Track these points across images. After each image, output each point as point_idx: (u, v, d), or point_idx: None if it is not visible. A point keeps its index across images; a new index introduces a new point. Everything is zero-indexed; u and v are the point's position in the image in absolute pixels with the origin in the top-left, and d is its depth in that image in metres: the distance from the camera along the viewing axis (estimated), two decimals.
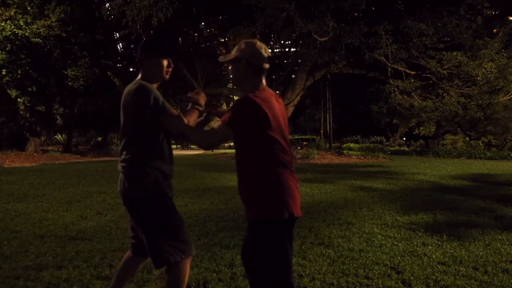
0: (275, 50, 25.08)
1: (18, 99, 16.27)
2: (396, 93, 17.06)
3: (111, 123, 22.16)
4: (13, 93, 16.02)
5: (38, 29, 14.06)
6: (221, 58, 2.00)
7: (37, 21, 14.26)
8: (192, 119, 2.03)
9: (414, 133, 35.16)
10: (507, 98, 17.50)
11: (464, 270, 3.06)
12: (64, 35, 15.10)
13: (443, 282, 2.82)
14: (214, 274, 2.93)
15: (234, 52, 1.94)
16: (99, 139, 29.71)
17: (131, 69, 21.66)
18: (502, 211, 5.53)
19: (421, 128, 33.72)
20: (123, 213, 4.80)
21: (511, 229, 4.41)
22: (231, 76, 1.98)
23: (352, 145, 32.20)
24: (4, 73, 14.87)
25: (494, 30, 17.72)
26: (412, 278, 2.88)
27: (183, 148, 41.72)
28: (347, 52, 15.63)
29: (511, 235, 4.15)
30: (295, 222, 1.86)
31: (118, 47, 23.08)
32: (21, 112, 17.92)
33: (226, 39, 18.15)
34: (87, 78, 15.90)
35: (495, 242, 3.86)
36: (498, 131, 25.44)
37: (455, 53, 14.83)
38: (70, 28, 15.49)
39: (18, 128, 18.80)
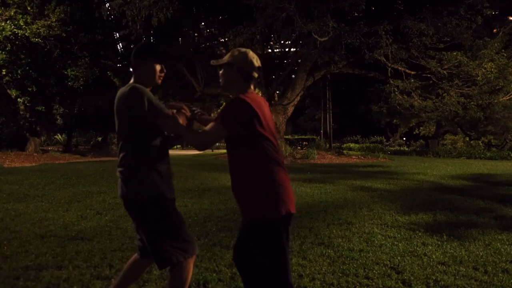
0: (275, 50, 25.08)
1: (18, 99, 16.27)
2: (396, 93, 17.06)
3: (111, 123, 21.86)
4: (13, 93, 16.02)
5: (38, 29, 14.06)
6: (213, 62, 2.04)
7: (37, 21, 14.26)
8: (181, 121, 2.07)
9: (414, 133, 35.17)
10: (507, 98, 17.50)
11: (464, 270, 3.07)
12: (64, 35, 15.09)
13: (443, 282, 2.82)
14: (214, 274, 2.93)
15: (226, 58, 1.99)
16: (99, 139, 29.73)
17: (131, 69, 21.65)
18: (502, 211, 5.53)
19: (421, 128, 33.73)
20: (123, 213, 4.80)
21: (511, 229, 4.41)
22: (220, 80, 2.04)
23: (352, 145, 32.20)
24: (4, 73, 14.86)
25: (494, 30, 17.72)
26: (412, 278, 2.88)
27: (183, 148, 41.71)
28: (347, 52, 15.63)
29: (511, 235, 4.15)
30: (291, 219, 1.88)
31: (118, 47, 23.08)
32: (21, 112, 17.92)
33: (226, 39, 18.15)
34: (87, 78, 15.90)
35: (495, 242, 3.86)
36: (498, 131, 25.44)
37: (455, 53, 14.83)
38: (70, 28, 15.49)
39: (18, 128, 18.79)
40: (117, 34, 22.57)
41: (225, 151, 30.74)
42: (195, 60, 20.36)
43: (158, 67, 2.06)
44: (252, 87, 2.01)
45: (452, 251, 3.56)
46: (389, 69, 16.26)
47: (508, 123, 23.78)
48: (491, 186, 8.63)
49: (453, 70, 15.65)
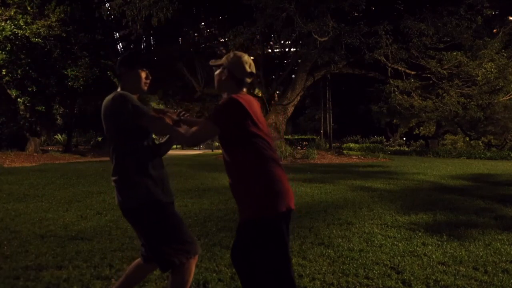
0: (275, 50, 25.08)
1: (18, 99, 16.27)
2: (396, 93, 17.06)
3: None
4: (13, 93, 16.02)
5: (38, 29, 14.06)
6: (211, 62, 2.08)
7: (37, 21, 14.26)
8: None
9: (414, 133, 35.18)
10: (507, 98, 17.50)
11: (464, 270, 3.06)
12: (64, 35, 15.09)
13: (443, 282, 2.82)
14: (214, 274, 2.93)
15: (223, 59, 2.03)
16: (99, 139, 29.70)
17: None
18: (502, 211, 5.53)
19: (421, 128, 33.74)
20: None
21: (511, 229, 4.41)
22: (215, 81, 2.08)
23: (352, 145, 32.20)
24: (4, 73, 14.86)
25: (494, 30, 17.71)
26: (412, 278, 2.88)
27: (183, 148, 41.73)
28: (347, 52, 15.63)
29: (511, 235, 4.14)
30: (292, 215, 1.89)
31: (118, 47, 23.07)
32: (21, 112, 17.92)
33: (226, 39, 18.14)
34: (87, 78, 15.89)
35: (495, 242, 3.86)
36: (498, 131, 25.45)
37: (455, 53, 14.83)
38: (70, 28, 15.49)
39: (18, 128, 18.78)
40: (117, 34, 22.57)
41: None
42: (195, 60, 20.36)
43: (143, 74, 2.12)
44: (244, 90, 2.02)
45: (452, 251, 3.56)
46: (389, 69, 16.26)
47: (508, 123, 23.78)
48: (491, 186, 8.63)
49: (453, 70, 15.65)
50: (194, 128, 1.90)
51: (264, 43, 21.00)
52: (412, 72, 16.75)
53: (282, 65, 24.09)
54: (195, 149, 38.71)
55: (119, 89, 2.10)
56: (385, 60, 15.54)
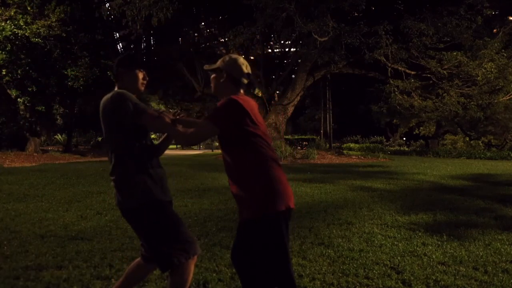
0: (275, 50, 25.08)
1: (18, 99, 16.26)
2: (396, 93, 17.06)
3: None
4: (13, 93, 16.01)
5: (38, 29, 14.05)
6: (206, 67, 2.11)
7: (37, 21, 14.24)
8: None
9: (414, 133, 35.18)
10: (507, 98, 17.50)
11: (464, 270, 3.06)
12: (64, 35, 15.08)
13: (443, 282, 2.82)
14: (214, 274, 2.93)
15: (219, 63, 2.06)
16: (99, 139, 29.69)
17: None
18: (502, 211, 5.53)
19: (421, 128, 33.74)
20: None
21: (511, 229, 4.41)
22: (211, 84, 2.10)
23: (352, 145, 32.21)
24: (4, 73, 14.86)
25: (494, 30, 17.72)
26: (412, 278, 2.88)
27: (183, 148, 41.72)
28: (347, 52, 15.63)
29: (511, 235, 4.15)
30: (291, 214, 1.91)
31: (118, 47, 23.08)
32: (21, 112, 17.91)
33: (226, 39, 18.14)
34: (87, 78, 15.88)
35: (495, 242, 3.86)
36: (498, 131, 25.45)
37: (455, 53, 14.83)
38: (70, 28, 15.48)
39: (18, 128, 18.78)
40: (117, 34, 22.57)
41: None
42: (195, 60, 20.36)
43: (141, 75, 2.15)
44: (242, 91, 2.06)
45: (452, 251, 3.56)
46: (389, 69, 16.26)
47: (508, 123, 23.77)
48: (491, 186, 8.63)
49: (453, 70, 15.65)
50: (193, 128, 1.93)
51: (264, 43, 21.00)
52: (412, 72, 16.75)
53: (282, 65, 24.09)
54: (195, 149, 38.72)
55: (116, 89, 2.10)
56: (385, 60, 15.54)
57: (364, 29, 14.24)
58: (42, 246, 3.63)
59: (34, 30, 13.96)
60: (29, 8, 14.24)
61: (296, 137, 33.52)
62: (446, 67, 15.49)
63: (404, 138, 38.68)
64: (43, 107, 17.90)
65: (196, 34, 22.39)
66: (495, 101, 17.60)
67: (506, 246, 3.73)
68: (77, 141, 30.34)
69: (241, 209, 1.90)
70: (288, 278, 1.85)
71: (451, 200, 6.50)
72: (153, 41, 23.82)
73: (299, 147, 24.39)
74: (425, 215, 5.18)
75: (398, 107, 18.36)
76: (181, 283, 1.95)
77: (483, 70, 14.66)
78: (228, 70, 2.01)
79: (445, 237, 4.03)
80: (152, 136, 2.24)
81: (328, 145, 24.44)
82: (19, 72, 14.93)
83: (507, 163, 16.87)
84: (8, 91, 16.35)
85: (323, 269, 3.07)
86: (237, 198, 1.93)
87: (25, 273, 2.94)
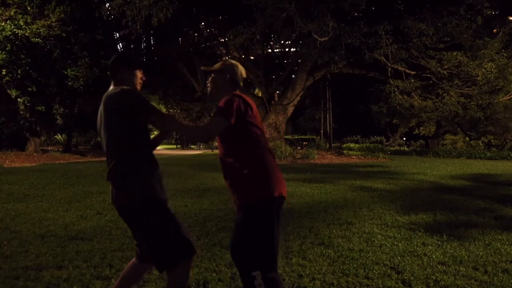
0: (275, 50, 25.07)
1: (18, 99, 16.26)
2: (396, 93, 17.06)
3: None
4: (13, 93, 16.01)
5: (38, 29, 14.05)
6: (203, 68, 2.19)
7: (37, 21, 14.25)
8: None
9: (414, 133, 35.19)
10: (507, 98, 17.50)
11: (464, 270, 3.06)
12: (64, 35, 15.08)
13: (443, 282, 2.82)
14: (214, 274, 2.93)
15: (218, 66, 2.16)
16: (99, 139, 29.66)
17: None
18: (502, 211, 5.53)
19: (421, 128, 33.74)
20: None
21: (511, 229, 4.41)
22: (209, 85, 2.19)
23: (352, 145, 32.21)
24: (4, 73, 14.86)
25: (494, 30, 17.72)
26: (412, 278, 2.88)
27: (183, 148, 41.72)
28: (347, 52, 15.63)
29: (511, 235, 4.15)
30: (283, 202, 2.02)
31: (118, 47, 23.08)
32: (21, 112, 17.92)
33: (226, 39, 18.14)
34: (87, 78, 15.89)
35: (495, 242, 3.86)
36: (498, 131, 25.45)
37: (455, 53, 14.83)
38: (70, 28, 15.48)
39: (18, 128, 18.77)
40: (117, 34, 22.57)
41: None
42: (195, 60, 20.36)
43: (139, 74, 2.17)
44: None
45: (452, 251, 3.56)
46: (389, 69, 16.26)
47: (508, 123, 23.78)
48: (491, 186, 8.63)
49: (453, 70, 15.65)
50: (206, 125, 1.98)
51: (264, 43, 20.99)
52: (412, 72, 16.76)
53: (282, 65, 24.09)
54: (195, 149, 38.70)
55: (112, 87, 2.09)
56: (385, 60, 15.54)
57: (364, 29, 14.24)
58: (42, 246, 3.63)
59: (34, 30, 13.97)
60: (29, 8, 14.24)
61: (296, 137, 33.53)
62: (446, 67, 15.49)
63: (404, 138, 38.69)
64: (43, 107, 17.90)
65: (196, 34, 22.38)
66: (495, 101, 17.61)
67: (506, 246, 3.73)
68: (77, 141, 30.33)
69: (238, 195, 1.98)
70: (273, 255, 1.92)
71: (451, 200, 6.50)
72: (153, 41, 23.82)
73: (299, 147, 24.40)
74: (425, 215, 5.18)
75: (398, 107, 18.36)
76: (179, 283, 1.95)
77: (483, 70, 14.66)
78: (231, 73, 2.13)
79: (445, 237, 4.03)
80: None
81: (328, 145, 24.45)
82: (19, 72, 14.94)
83: (507, 163, 16.87)
84: (8, 91, 16.35)
85: (323, 269, 3.07)
86: (234, 184, 2.01)
87: (25, 273, 2.94)
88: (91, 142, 29.74)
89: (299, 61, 20.24)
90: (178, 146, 43.24)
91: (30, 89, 15.69)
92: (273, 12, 13.94)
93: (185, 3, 16.02)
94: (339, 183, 8.69)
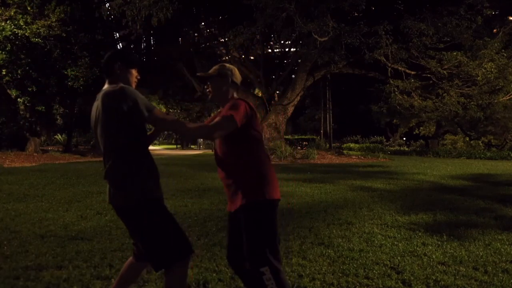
0: (275, 50, 25.08)
1: (18, 99, 16.26)
2: (396, 93, 17.07)
3: None
4: (13, 93, 16.01)
5: (38, 29, 14.05)
6: (200, 74, 2.24)
7: (37, 21, 14.25)
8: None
9: (414, 133, 35.18)
10: (507, 98, 17.51)
11: (464, 270, 3.06)
12: (64, 35, 15.08)
13: (443, 282, 2.82)
14: (214, 274, 2.93)
15: (217, 70, 2.21)
16: (98, 138, 29.64)
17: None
18: (502, 211, 5.53)
19: (421, 128, 33.74)
20: None
21: (511, 229, 4.42)
22: (211, 90, 2.24)
23: (352, 145, 32.21)
24: (4, 73, 14.86)
25: (494, 30, 17.73)
26: (412, 278, 2.88)
27: (183, 148, 41.74)
28: (347, 52, 15.64)
29: (511, 235, 4.15)
30: (278, 204, 2.13)
31: (118, 47, 23.08)
32: (21, 112, 17.92)
33: (226, 39, 18.14)
34: (87, 78, 15.89)
35: (495, 242, 3.86)
36: (498, 131, 25.45)
37: (455, 53, 14.83)
38: (70, 28, 15.48)
39: (18, 128, 18.78)
40: (117, 34, 22.58)
41: None
42: (195, 60, 20.36)
43: (135, 73, 2.16)
44: (235, 95, 2.29)
45: (452, 251, 3.56)
46: (389, 69, 16.26)
47: (508, 123, 23.78)
48: (491, 186, 8.63)
49: (453, 70, 15.65)
50: (214, 125, 1.99)
51: (264, 43, 21.00)
52: (412, 72, 16.76)
53: (282, 65, 24.10)
54: (195, 149, 38.69)
55: (107, 85, 2.06)
56: (385, 60, 15.54)
57: (364, 29, 14.24)
58: (42, 246, 3.63)
59: (34, 30, 13.97)
60: (29, 8, 14.24)
61: (296, 137, 33.54)
62: (446, 67, 15.50)
63: (404, 138, 38.68)
64: (43, 107, 17.91)
65: (196, 34, 22.39)
66: (495, 101, 17.62)
67: (506, 246, 3.73)
68: (77, 141, 30.36)
69: (243, 196, 2.02)
70: (276, 251, 2.02)
71: (451, 200, 6.50)
72: (153, 41, 23.82)
73: (299, 147, 24.39)
74: (425, 215, 5.18)
75: (398, 107, 18.36)
76: (177, 283, 1.94)
77: (483, 70, 14.67)
78: (232, 77, 2.22)
79: (445, 237, 4.03)
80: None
81: (328, 145, 24.45)
82: (19, 72, 14.94)
83: (507, 163, 16.87)
84: (8, 91, 16.35)
85: (323, 269, 3.07)
86: (233, 187, 2.07)
87: (25, 273, 2.94)
88: (91, 142, 29.75)
89: (299, 61, 20.25)
90: (178, 146, 43.24)
91: (30, 89, 15.69)
92: (273, 12, 13.94)
93: (185, 3, 16.02)
94: (339, 183, 8.69)
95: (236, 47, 17.21)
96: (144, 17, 14.44)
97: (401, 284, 2.79)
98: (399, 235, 4.11)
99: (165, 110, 29.26)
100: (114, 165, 1.93)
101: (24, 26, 13.92)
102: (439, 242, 3.84)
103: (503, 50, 15.50)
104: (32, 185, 7.68)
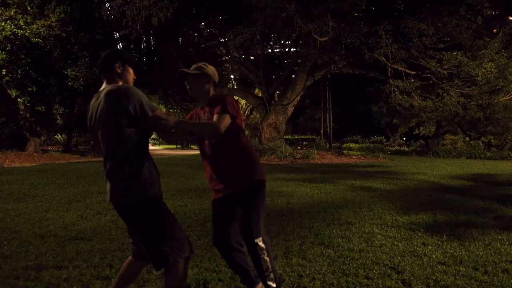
0: (275, 50, 25.08)
1: (18, 99, 16.26)
2: (396, 93, 17.07)
3: None
4: (13, 93, 16.01)
5: (38, 29, 14.05)
6: (183, 70, 2.40)
7: (37, 21, 14.25)
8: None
9: (414, 133, 35.16)
10: (507, 98, 17.51)
11: (464, 270, 3.06)
12: (64, 35, 15.08)
13: (443, 282, 2.82)
14: (214, 274, 2.93)
15: (202, 70, 2.41)
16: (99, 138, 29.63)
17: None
18: (502, 211, 5.53)
19: (421, 128, 33.72)
20: None
21: (511, 229, 4.41)
22: (193, 86, 2.44)
23: (352, 145, 32.20)
24: (4, 73, 14.86)
25: (494, 30, 17.74)
26: (412, 278, 2.88)
27: (183, 148, 41.72)
28: (347, 52, 15.65)
29: (511, 235, 4.14)
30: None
31: (118, 47, 23.07)
32: (21, 112, 17.91)
33: (226, 39, 18.15)
34: (87, 78, 15.88)
35: (495, 242, 3.86)
36: (498, 131, 25.44)
37: (455, 53, 14.84)
38: (70, 28, 15.48)
39: (18, 128, 18.78)
40: (117, 34, 22.57)
41: None
42: (195, 60, 20.32)
43: (132, 71, 2.19)
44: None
45: (452, 251, 3.56)
46: (389, 69, 16.28)
47: (508, 123, 23.78)
48: (491, 186, 8.63)
49: (453, 70, 15.65)
50: (217, 121, 2.21)
51: (264, 43, 21.00)
52: (412, 72, 16.76)
53: (282, 65, 24.10)
54: (195, 149, 38.66)
55: (104, 85, 2.07)
56: (385, 60, 15.55)
57: (364, 29, 14.25)
58: (42, 246, 3.63)
59: (34, 30, 13.97)
60: (29, 8, 14.24)
61: (296, 137, 33.50)
62: (446, 67, 15.50)
63: (404, 138, 38.67)
64: (43, 107, 17.91)
65: (196, 34, 22.40)
66: (495, 101, 17.62)
67: (506, 246, 3.73)
68: (77, 141, 30.37)
69: (235, 181, 2.31)
70: (264, 231, 2.35)
71: (451, 200, 6.50)
72: (153, 41, 23.81)
73: (299, 147, 24.38)
74: (425, 215, 5.18)
75: (398, 107, 18.38)
76: (177, 282, 1.95)
77: (483, 70, 14.67)
78: (213, 77, 2.44)
79: (445, 237, 4.03)
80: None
81: (328, 145, 24.43)
82: (19, 72, 14.94)
83: (507, 163, 16.87)
84: (8, 91, 16.35)
85: (323, 269, 3.07)
86: (226, 175, 2.34)
87: (25, 273, 2.94)
88: (91, 142, 29.76)
89: (299, 61, 20.26)
90: (178, 146, 43.24)
91: (30, 89, 15.69)
92: (273, 12, 13.95)
93: (185, 3, 16.03)
94: (339, 183, 8.69)
95: (236, 47, 17.21)
96: (144, 17, 14.46)
97: (401, 284, 2.79)
98: (399, 235, 4.11)
99: (165, 110, 29.27)
100: (117, 164, 1.94)
101: (24, 26, 13.92)
102: (439, 242, 3.84)
103: (503, 50, 15.51)
104: (32, 185, 7.68)
